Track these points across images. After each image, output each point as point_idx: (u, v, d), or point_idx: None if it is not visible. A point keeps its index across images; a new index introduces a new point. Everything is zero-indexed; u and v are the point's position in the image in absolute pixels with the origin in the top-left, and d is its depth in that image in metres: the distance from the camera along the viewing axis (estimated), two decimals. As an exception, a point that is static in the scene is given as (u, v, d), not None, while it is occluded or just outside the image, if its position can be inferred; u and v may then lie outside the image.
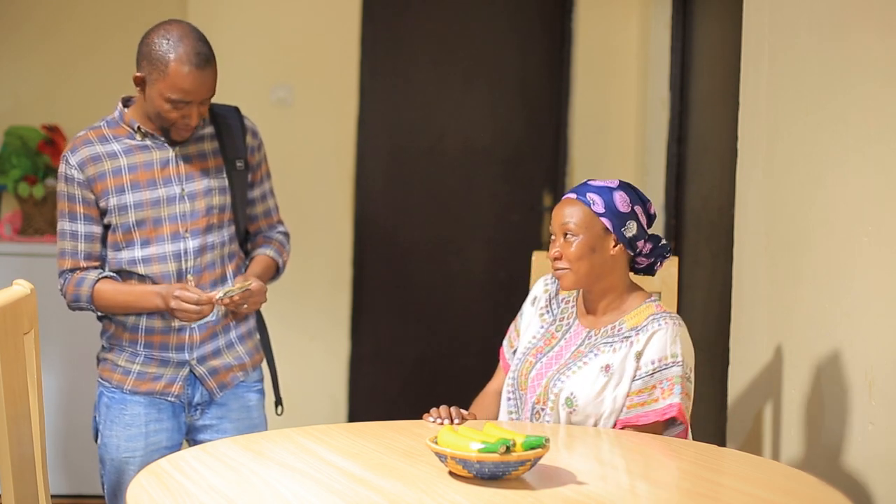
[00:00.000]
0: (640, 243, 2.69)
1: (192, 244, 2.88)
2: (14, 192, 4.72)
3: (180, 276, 2.87)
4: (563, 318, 2.77)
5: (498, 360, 2.90)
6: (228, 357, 2.96)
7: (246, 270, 2.98)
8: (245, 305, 2.86)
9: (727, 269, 3.70)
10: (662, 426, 2.60)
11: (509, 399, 2.73)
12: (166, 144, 2.87)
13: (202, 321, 2.88)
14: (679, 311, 3.15)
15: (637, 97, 5.09)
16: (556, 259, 2.67)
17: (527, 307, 2.85)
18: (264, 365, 3.10)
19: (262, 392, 3.06)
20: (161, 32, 2.75)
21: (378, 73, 5.07)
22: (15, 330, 2.33)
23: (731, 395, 3.56)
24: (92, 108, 3.98)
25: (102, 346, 2.98)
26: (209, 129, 2.94)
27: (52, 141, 4.75)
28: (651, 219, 2.72)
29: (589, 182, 2.70)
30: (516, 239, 5.19)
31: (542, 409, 2.62)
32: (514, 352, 2.83)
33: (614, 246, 2.66)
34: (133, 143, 2.87)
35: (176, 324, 2.88)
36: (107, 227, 2.88)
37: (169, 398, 2.92)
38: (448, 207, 5.18)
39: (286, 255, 3.10)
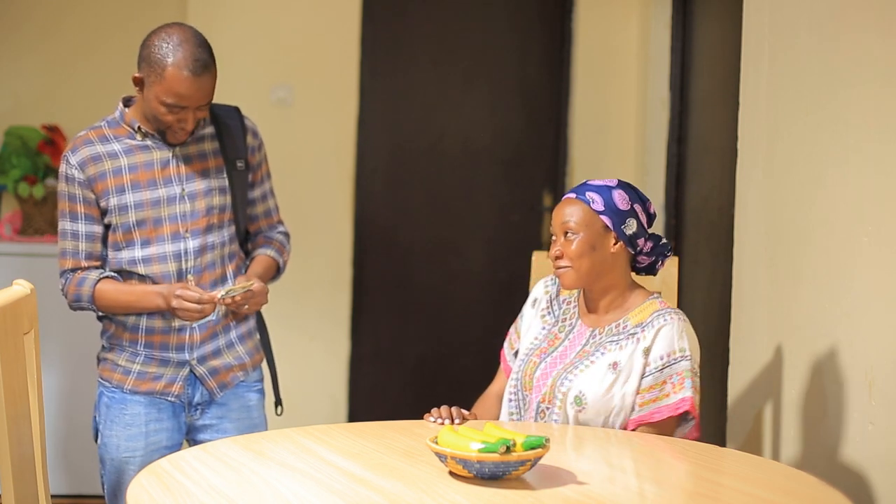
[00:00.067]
0: (641, 241, 2.70)
1: (192, 244, 2.88)
2: (14, 192, 4.72)
3: (180, 276, 2.87)
4: (566, 318, 2.77)
5: (499, 363, 2.90)
6: (228, 357, 2.96)
7: (246, 270, 2.98)
8: (246, 306, 2.86)
9: (727, 269, 3.70)
10: (675, 422, 2.61)
11: (511, 400, 2.73)
12: (166, 144, 2.88)
13: (203, 321, 2.88)
14: (679, 311, 3.14)
15: (637, 97, 5.09)
16: (557, 258, 2.67)
17: (527, 309, 2.86)
18: (264, 365, 3.10)
19: (262, 392, 3.06)
20: (162, 35, 2.75)
21: (378, 73, 5.07)
22: (15, 330, 2.33)
23: (731, 395, 3.56)
24: (92, 108, 3.98)
25: (102, 346, 2.98)
26: (210, 130, 2.94)
27: (52, 141, 4.75)
28: (651, 218, 2.72)
29: (588, 182, 2.72)
30: (516, 239, 5.19)
31: (549, 408, 2.63)
32: (515, 354, 2.84)
33: (615, 244, 2.67)
34: (133, 143, 2.87)
35: (176, 323, 2.88)
36: (107, 227, 2.88)
37: (169, 398, 2.92)
38: (448, 207, 5.18)
39: (286, 255, 3.10)
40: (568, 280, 2.67)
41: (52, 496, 3.26)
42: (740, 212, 3.54)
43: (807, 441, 3.06)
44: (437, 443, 2.14)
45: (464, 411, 2.63)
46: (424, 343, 5.18)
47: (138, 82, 2.79)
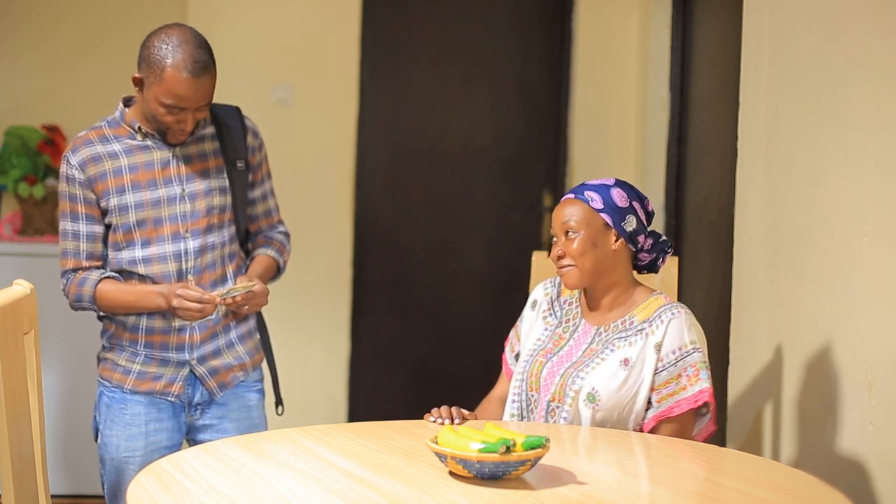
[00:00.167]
0: (641, 238, 2.71)
1: (192, 244, 2.88)
2: (14, 192, 4.72)
3: (180, 277, 2.87)
4: (569, 318, 2.78)
5: (499, 365, 2.90)
6: (228, 357, 2.96)
7: (247, 270, 2.98)
8: (246, 307, 2.86)
9: (727, 269, 3.70)
10: (694, 415, 2.61)
11: (514, 401, 2.73)
12: (167, 145, 2.88)
13: (202, 321, 2.88)
14: (679, 311, 3.14)
15: (637, 97, 5.09)
16: (559, 258, 2.68)
17: (526, 312, 2.86)
18: (264, 365, 3.10)
19: (262, 392, 3.06)
20: (161, 36, 2.75)
21: (378, 73, 5.07)
22: (15, 330, 2.33)
23: (731, 395, 3.56)
24: (92, 108, 3.98)
25: (103, 346, 2.98)
26: (210, 130, 2.94)
27: (52, 141, 4.75)
28: (649, 216, 2.74)
29: (586, 182, 2.74)
30: (516, 239, 5.19)
31: (559, 407, 2.63)
32: (516, 357, 2.84)
33: (616, 241, 2.68)
34: (134, 143, 2.87)
35: (176, 323, 2.88)
36: (108, 227, 2.88)
37: (169, 398, 2.92)
38: (448, 207, 5.18)
39: (287, 255, 3.10)
40: (571, 279, 2.68)
41: (52, 496, 3.26)
42: (740, 212, 3.54)
43: (807, 441, 3.07)
44: (437, 443, 2.14)
45: (464, 411, 2.63)
46: (424, 343, 5.18)
47: (138, 83, 2.79)
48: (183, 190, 2.88)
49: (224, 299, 2.79)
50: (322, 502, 2.01)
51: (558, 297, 2.83)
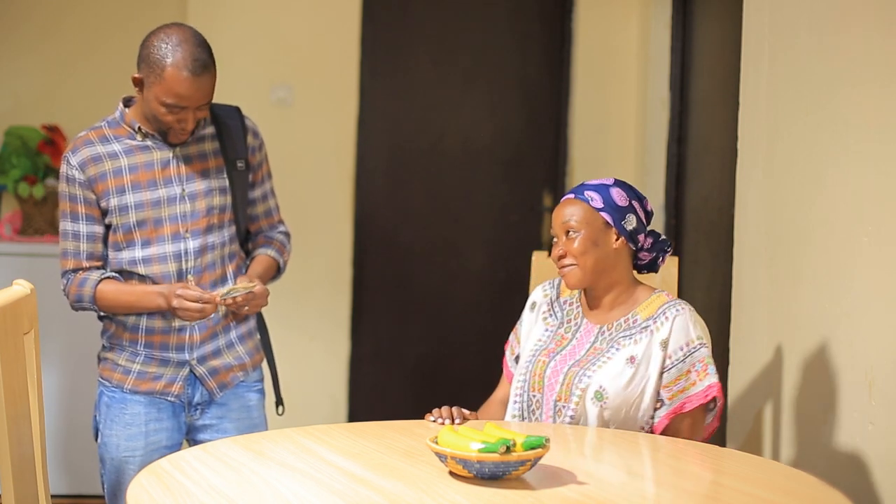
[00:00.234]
0: (641, 237, 2.72)
1: (192, 244, 2.88)
2: (14, 192, 4.72)
3: (181, 277, 2.87)
4: (570, 318, 2.78)
5: (500, 366, 2.90)
6: (228, 357, 2.96)
7: (247, 270, 2.98)
8: (246, 307, 2.86)
9: (727, 269, 3.70)
10: (704, 410, 2.63)
11: (515, 402, 2.73)
12: (167, 145, 2.88)
13: (202, 321, 2.88)
14: (679, 311, 3.14)
15: (637, 97, 5.09)
16: (560, 258, 2.68)
17: (525, 314, 2.86)
18: (264, 365, 3.10)
19: (262, 392, 3.06)
20: (161, 36, 2.75)
21: (378, 73, 5.07)
22: (15, 330, 2.33)
23: (731, 395, 3.56)
24: (92, 108, 3.98)
25: (103, 346, 2.98)
26: (210, 130, 2.94)
27: (52, 141, 4.75)
28: (648, 215, 2.75)
29: (585, 183, 2.75)
30: (516, 239, 5.19)
31: (565, 406, 2.63)
32: (516, 359, 2.84)
33: (616, 240, 2.68)
34: (134, 143, 2.87)
35: (176, 323, 2.88)
36: (108, 227, 2.88)
37: (169, 398, 2.92)
38: (448, 207, 5.18)
39: (287, 255, 3.10)
40: (573, 278, 2.68)
41: (52, 496, 3.26)
42: (740, 212, 3.54)
43: (806, 441, 3.07)
44: (437, 443, 2.14)
45: (464, 411, 2.63)
46: (424, 343, 5.18)
47: (138, 83, 2.79)
48: (183, 190, 2.88)
49: (224, 300, 2.79)
50: (322, 502, 2.01)
51: (558, 297, 2.83)
